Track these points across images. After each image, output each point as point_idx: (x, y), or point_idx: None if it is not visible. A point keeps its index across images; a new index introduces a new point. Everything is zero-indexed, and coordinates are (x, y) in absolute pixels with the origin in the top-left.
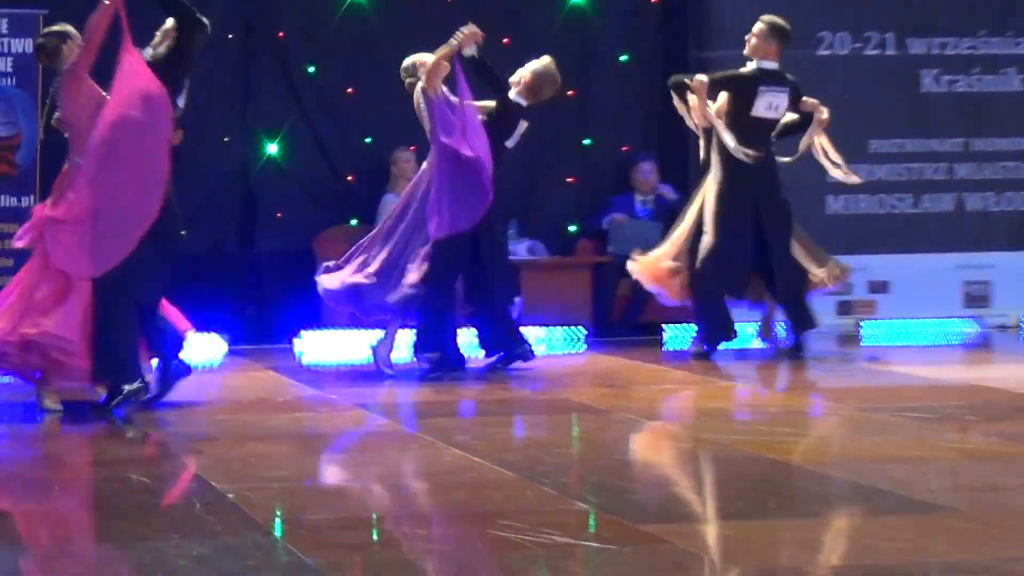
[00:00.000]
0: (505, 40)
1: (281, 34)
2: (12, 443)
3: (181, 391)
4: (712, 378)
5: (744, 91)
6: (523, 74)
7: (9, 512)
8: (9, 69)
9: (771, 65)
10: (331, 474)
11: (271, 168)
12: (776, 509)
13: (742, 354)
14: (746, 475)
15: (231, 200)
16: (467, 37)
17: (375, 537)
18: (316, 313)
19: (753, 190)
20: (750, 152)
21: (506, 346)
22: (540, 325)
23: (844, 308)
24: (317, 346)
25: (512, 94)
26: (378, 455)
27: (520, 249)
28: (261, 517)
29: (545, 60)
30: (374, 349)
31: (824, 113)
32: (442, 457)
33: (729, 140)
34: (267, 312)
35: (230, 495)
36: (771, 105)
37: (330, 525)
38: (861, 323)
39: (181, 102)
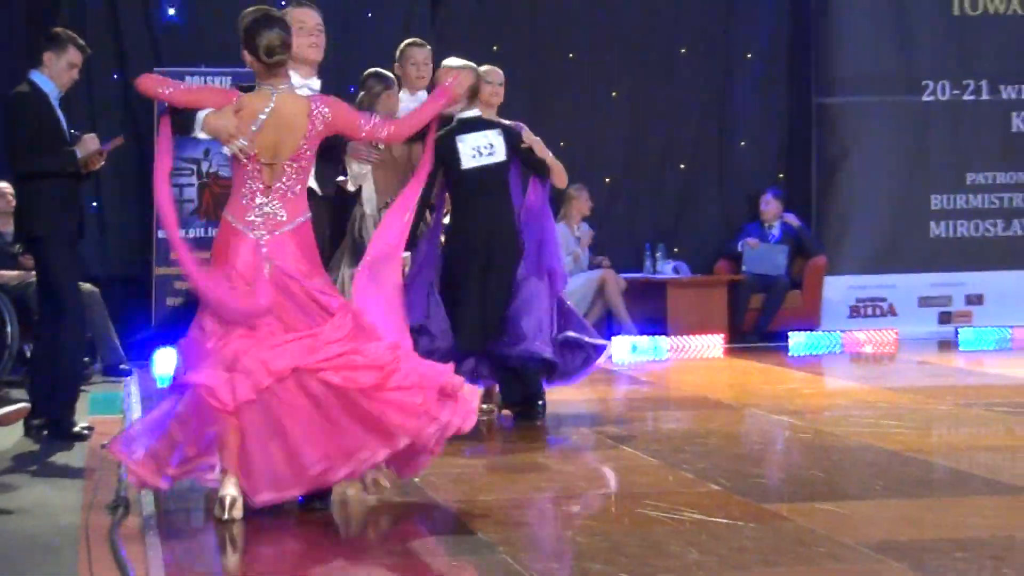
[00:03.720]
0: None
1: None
2: None
3: None
4: (831, 379)
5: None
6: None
7: None
8: None
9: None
10: (500, 462)
11: None
12: (883, 490)
13: (855, 358)
14: (857, 462)
15: None
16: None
17: (537, 515)
18: None
19: None
20: None
21: None
22: (683, 334)
23: (945, 317)
24: None
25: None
26: (540, 445)
27: (667, 269)
28: (443, 498)
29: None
30: None
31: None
32: (596, 445)
33: None
34: None
35: (415, 479)
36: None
37: (500, 505)
38: (959, 330)
39: None
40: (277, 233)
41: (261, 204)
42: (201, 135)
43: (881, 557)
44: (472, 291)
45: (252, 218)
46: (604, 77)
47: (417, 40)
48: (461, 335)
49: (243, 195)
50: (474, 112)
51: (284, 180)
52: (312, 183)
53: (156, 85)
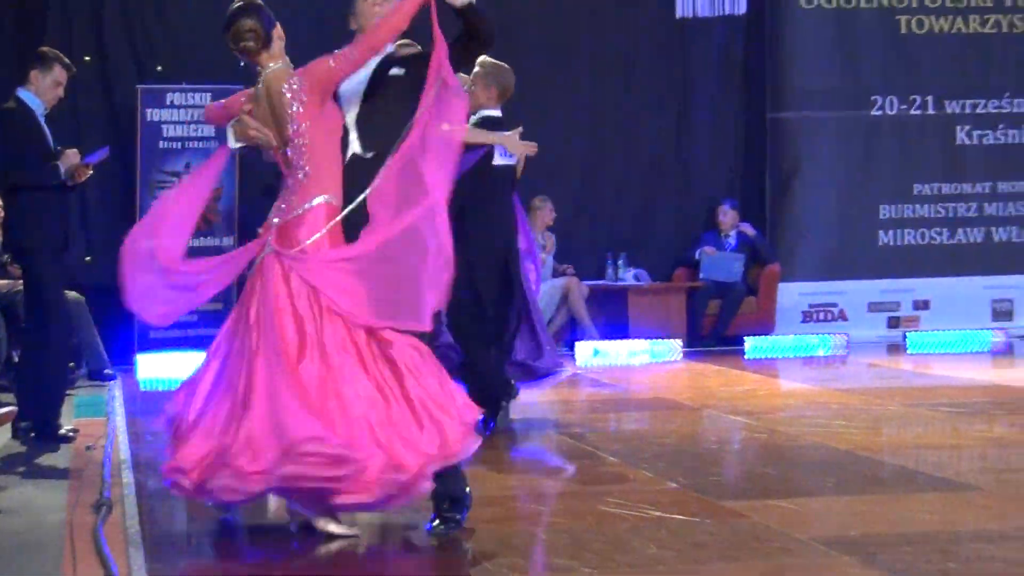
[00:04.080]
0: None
1: None
2: None
3: None
4: (785, 381)
5: None
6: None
7: None
8: (212, 134)
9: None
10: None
11: None
12: (834, 488)
13: (808, 361)
14: (810, 460)
15: None
16: None
17: (504, 512)
18: None
19: None
20: None
21: None
22: (644, 338)
23: (893, 322)
24: None
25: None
26: (506, 445)
27: (628, 276)
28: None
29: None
30: None
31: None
32: (560, 446)
33: None
34: None
35: None
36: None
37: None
38: (907, 334)
39: None
40: (284, 220)
41: (286, 193)
42: (235, 145)
43: (832, 551)
44: (492, 293)
45: (277, 208)
46: (566, 92)
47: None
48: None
49: (281, 186)
50: (498, 112)
51: (295, 163)
52: (356, 148)
53: (210, 113)
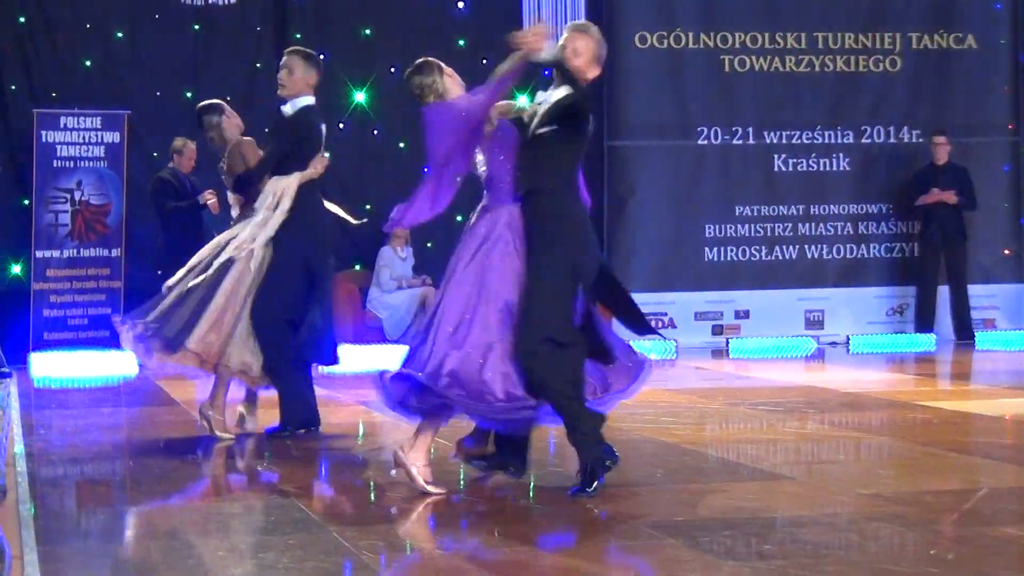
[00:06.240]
0: None
1: None
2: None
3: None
4: None
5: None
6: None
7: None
8: (102, 155)
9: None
10: (333, 452)
11: None
12: (662, 477)
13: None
14: (641, 452)
15: None
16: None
17: (367, 498)
18: None
19: None
20: None
21: None
22: None
23: (717, 330)
24: None
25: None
26: (368, 440)
27: None
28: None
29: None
30: None
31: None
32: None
33: None
34: None
35: (259, 467)
36: None
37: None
38: (729, 340)
39: None
40: None
41: None
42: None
43: (659, 534)
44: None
45: None
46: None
47: None
48: None
49: None
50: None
51: None
52: None
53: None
